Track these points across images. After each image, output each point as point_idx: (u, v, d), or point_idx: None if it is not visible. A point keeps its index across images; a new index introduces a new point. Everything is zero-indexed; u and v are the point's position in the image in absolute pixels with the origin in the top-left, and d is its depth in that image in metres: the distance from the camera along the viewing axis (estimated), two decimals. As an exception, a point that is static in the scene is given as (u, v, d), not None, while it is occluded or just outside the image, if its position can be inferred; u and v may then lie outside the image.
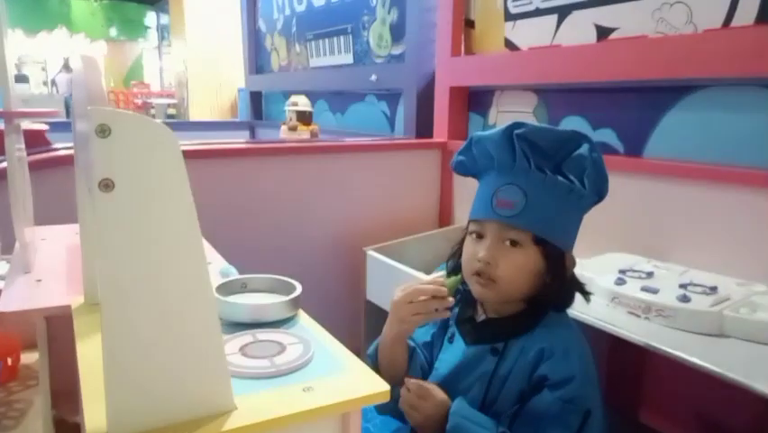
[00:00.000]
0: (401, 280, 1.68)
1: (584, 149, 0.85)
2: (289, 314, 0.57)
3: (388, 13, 2.59)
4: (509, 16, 1.99)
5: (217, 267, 0.76)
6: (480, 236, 0.89)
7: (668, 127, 1.55)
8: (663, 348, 1.02)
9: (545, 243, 0.86)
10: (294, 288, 0.60)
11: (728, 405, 1.30)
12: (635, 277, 1.26)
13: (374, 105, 2.77)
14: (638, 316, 1.16)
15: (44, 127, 1.86)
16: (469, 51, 2.18)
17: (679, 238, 1.48)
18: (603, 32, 1.68)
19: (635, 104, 1.64)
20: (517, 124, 0.86)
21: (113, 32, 9.84)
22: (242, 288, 0.62)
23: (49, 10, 8.42)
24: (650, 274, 1.28)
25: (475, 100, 2.21)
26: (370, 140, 2.34)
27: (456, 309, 0.97)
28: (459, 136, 2.22)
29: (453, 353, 0.94)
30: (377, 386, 0.44)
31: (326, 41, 3.08)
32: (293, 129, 2.58)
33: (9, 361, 0.85)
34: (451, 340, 0.96)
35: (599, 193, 0.90)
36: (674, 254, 1.47)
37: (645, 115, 1.61)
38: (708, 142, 1.45)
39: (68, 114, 6.78)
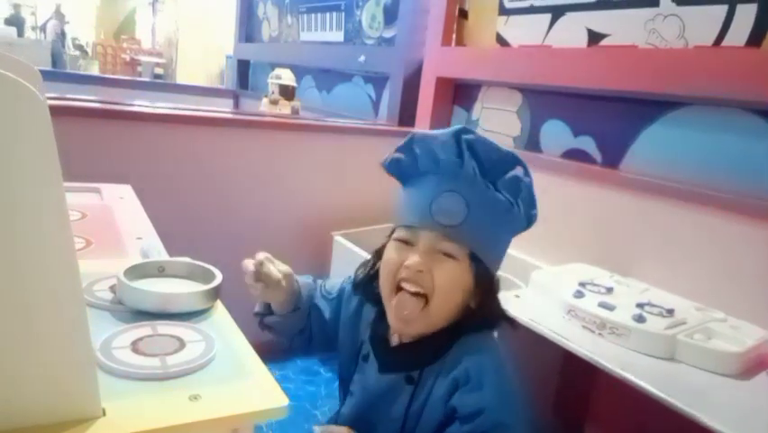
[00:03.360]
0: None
1: (520, 171, 0.80)
2: (202, 306, 0.53)
3: (383, -7, 2.52)
4: (503, 10, 1.94)
5: (145, 244, 0.70)
6: (408, 243, 0.80)
7: (648, 141, 1.53)
8: (612, 368, 1.00)
9: (479, 261, 0.80)
10: (213, 277, 0.55)
11: (674, 430, 1.29)
12: (595, 291, 1.24)
13: (360, 87, 2.71)
14: (593, 331, 1.14)
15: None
16: (460, 42, 2.12)
17: (645, 255, 1.46)
18: (595, 37, 1.64)
19: (617, 114, 1.60)
20: (465, 129, 0.80)
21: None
22: (158, 271, 0.57)
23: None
24: (610, 290, 1.26)
25: (461, 93, 2.17)
26: (349, 122, 2.28)
27: (370, 319, 0.90)
28: (441, 128, 2.17)
29: (368, 376, 0.87)
30: (276, 401, 0.40)
31: (319, 15, 3.00)
32: (274, 103, 2.51)
33: None
34: (366, 359, 0.88)
35: (529, 218, 0.84)
36: (638, 271, 1.45)
37: (627, 127, 1.58)
38: (685, 161, 1.43)
39: (53, 63, 6.57)
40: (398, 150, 0.85)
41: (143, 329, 0.47)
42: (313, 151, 1.99)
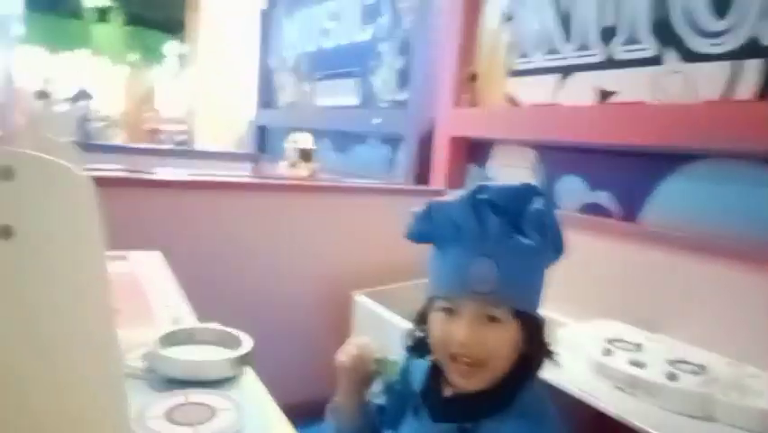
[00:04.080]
0: (390, 329, 1.63)
1: (539, 202, 0.78)
2: (232, 373, 0.53)
3: (396, 59, 2.61)
4: (512, 72, 2.00)
5: (174, 311, 0.72)
6: (450, 312, 0.80)
7: (665, 194, 1.53)
8: (646, 428, 0.97)
9: (524, 314, 0.80)
10: (242, 343, 0.56)
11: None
12: (623, 349, 1.21)
13: (376, 148, 2.77)
14: (624, 390, 1.11)
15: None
16: (471, 103, 2.18)
17: (670, 309, 1.44)
18: (603, 95, 1.68)
19: (633, 168, 1.62)
20: (480, 189, 0.79)
21: (133, 57, 10.05)
22: (189, 338, 0.58)
23: (70, 31, 8.61)
24: (639, 347, 1.23)
25: (474, 151, 2.21)
26: (366, 183, 2.32)
27: (422, 378, 0.90)
28: (457, 185, 2.20)
29: (419, 428, 0.86)
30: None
31: (333, 81, 3.11)
32: (293, 165, 2.57)
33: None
34: (416, 411, 0.87)
35: (558, 249, 0.82)
36: (666, 326, 1.42)
37: (643, 181, 1.58)
38: (704, 214, 1.42)
39: (81, 134, 6.84)
40: (417, 219, 0.84)
41: (176, 398, 0.48)
42: (331, 211, 2.02)
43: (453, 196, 0.80)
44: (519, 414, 0.79)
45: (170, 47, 9.54)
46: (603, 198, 1.70)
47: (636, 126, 1.52)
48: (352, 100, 2.94)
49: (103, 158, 3.31)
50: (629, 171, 1.63)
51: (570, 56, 1.78)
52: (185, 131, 6.39)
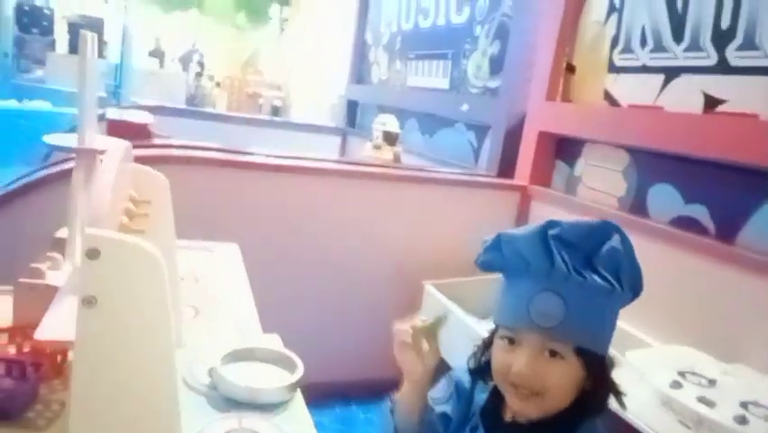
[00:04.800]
0: (454, 321, 1.65)
1: (616, 241, 0.77)
2: (284, 398, 0.58)
3: (491, 44, 2.54)
4: (613, 68, 1.89)
5: (241, 315, 0.78)
6: (512, 342, 0.80)
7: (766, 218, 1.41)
8: (707, 475, 0.93)
9: (587, 352, 0.78)
10: (296, 366, 0.60)
11: None
12: (695, 382, 1.16)
13: (462, 134, 2.74)
14: (688, 428, 1.06)
15: (148, 120, 2.01)
16: (565, 98, 2.09)
17: (757, 341, 1.34)
18: (711, 102, 1.55)
19: (735, 184, 1.50)
20: (551, 224, 0.78)
21: (239, 18, 10.39)
22: (249, 355, 0.64)
23: (183, -7, 9.02)
24: (712, 382, 1.17)
25: (563, 147, 2.13)
26: (449, 173, 2.31)
27: (482, 396, 0.91)
28: (542, 182, 2.14)
29: None
30: None
31: (426, 62, 3.09)
32: (377, 148, 2.61)
33: (59, 358, 0.93)
34: (474, 431, 0.89)
35: (635, 290, 0.80)
36: (748, 358, 1.33)
37: (745, 199, 1.47)
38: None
39: (188, 94, 7.25)
40: (487, 250, 0.85)
41: (230, 421, 0.53)
42: (412, 200, 2.05)
43: (524, 229, 0.80)
44: None
45: (275, 10, 9.81)
46: (699, 212, 1.60)
47: (746, 142, 1.41)
48: (443, 83, 2.91)
49: (203, 125, 3.53)
50: (731, 188, 1.51)
51: (679, 56, 1.65)
52: (281, 97, 6.62)
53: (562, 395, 0.78)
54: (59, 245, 0.88)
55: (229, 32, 9.70)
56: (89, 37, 0.62)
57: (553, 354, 0.76)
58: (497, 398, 0.87)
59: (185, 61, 8.47)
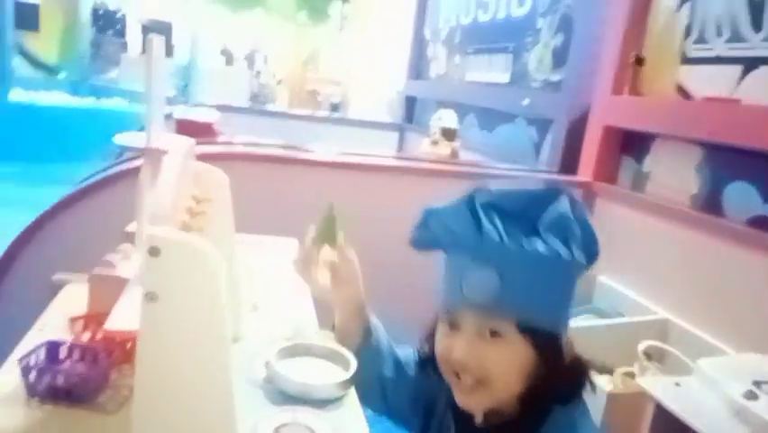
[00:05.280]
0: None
1: (563, 205, 0.69)
2: (338, 394, 0.59)
3: (553, 36, 2.47)
4: (686, 60, 1.79)
5: (298, 312, 0.79)
6: (452, 326, 0.73)
7: None
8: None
9: (533, 330, 0.70)
10: (350, 364, 0.61)
11: None
12: (772, 394, 1.08)
13: (522, 129, 2.68)
14: (764, 442, 1.00)
15: (213, 119, 2.09)
16: (634, 91, 2.00)
17: None
18: (794, 95, 1.44)
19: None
20: (478, 192, 0.71)
21: (300, 17, 10.58)
22: (305, 351, 0.65)
23: (249, -7, 9.29)
24: (791, 394, 1.09)
25: (629, 142, 2.04)
26: (509, 169, 2.27)
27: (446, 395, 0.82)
28: (606, 178, 2.06)
29: None
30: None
31: (486, 56, 3.03)
32: (435, 143, 2.59)
33: (128, 345, 0.98)
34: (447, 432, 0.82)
35: (589, 256, 0.71)
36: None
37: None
38: None
39: (253, 90, 7.45)
40: (416, 228, 0.78)
41: (284, 415, 0.55)
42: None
43: (452, 201, 0.74)
44: None
45: (335, 7, 9.94)
46: (780, 212, 1.49)
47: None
48: (503, 77, 2.85)
49: (264, 122, 3.63)
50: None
51: (757, 46, 1.55)
52: (340, 93, 6.71)
53: (509, 381, 0.71)
54: (130, 239, 0.93)
55: (291, 30, 9.90)
56: (155, 40, 0.65)
57: (494, 334, 0.69)
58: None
59: (249, 60, 8.73)
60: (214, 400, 0.41)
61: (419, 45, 3.92)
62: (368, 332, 0.84)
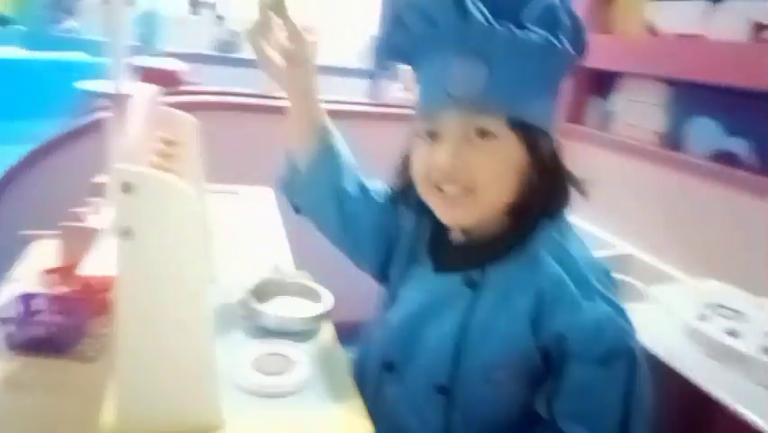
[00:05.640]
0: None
1: None
2: (313, 327, 0.61)
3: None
4: (655, -5, 1.79)
5: (273, 256, 0.81)
6: (434, 136, 0.65)
7: (814, 150, 1.35)
8: (730, 402, 0.95)
9: (524, 126, 0.63)
10: (323, 299, 0.64)
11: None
12: (722, 315, 1.16)
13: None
14: (716, 360, 1.07)
15: (179, 68, 2.03)
16: (603, 29, 2.00)
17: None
18: (758, 29, 1.46)
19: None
20: None
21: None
22: (279, 289, 0.67)
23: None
24: (740, 315, 1.16)
25: (597, 82, 2.05)
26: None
27: (419, 219, 0.75)
28: (575, 119, 2.09)
29: (420, 279, 0.72)
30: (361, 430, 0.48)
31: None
32: (408, 89, 2.57)
33: (104, 293, 0.98)
34: (418, 260, 0.74)
35: (577, 46, 0.65)
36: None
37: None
38: None
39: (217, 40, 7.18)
40: (386, 30, 0.69)
41: (263, 347, 0.57)
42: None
43: None
44: (533, 258, 0.65)
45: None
46: (739, 146, 1.54)
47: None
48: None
49: (232, 72, 3.52)
50: (774, 120, 1.45)
51: (724, -20, 1.55)
52: (313, 41, 6.53)
53: (500, 186, 0.64)
54: (99, 192, 0.93)
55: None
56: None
57: (483, 134, 0.62)
58: (438, 223, 0.71)
59: (212, 6, 8.36)
60: (194, 335, 0.43)
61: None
62: (324, 132, 0.77)
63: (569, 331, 0.61)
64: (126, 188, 0.37)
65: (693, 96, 1.69)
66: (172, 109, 0.66)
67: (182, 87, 1.95)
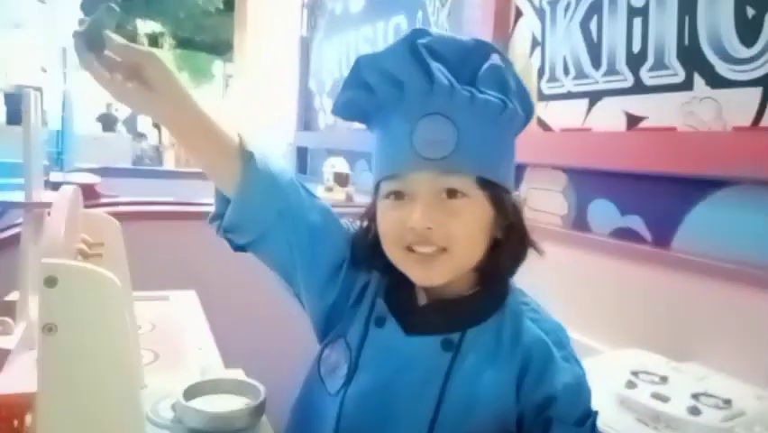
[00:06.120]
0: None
1: (496, 59, 0.65)
2: (250, 424, 0.59)
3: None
4: (542, 96, 2.02)
5: (203, 357, 0.79)
6: (399, 196, 0.64)
7: (697, 221, 1.51)
8: (667, 466, 0.98)
9: (491, 185, 0.64)
10: (259, 393, 0.62)
11: None
12: (648, 381, 1.21)
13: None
14: (647, 424, 1.11)
15: (94, 181, 2.01)
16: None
17: (702, 338, 1.42)
18: (633, 120, 1.68)
19: (664, 193, 1.61)
20: (418, 33, 0.63)
21: (184, 77, 10.42)
22: (213, 389, 0.65)
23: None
24: (664, 379, 1.23)
25: (507, 174, 2.22)
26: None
27: (382, 281, 0.71)
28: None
29: (386, 343, 0.67)
30: None
31: (370, 105, 3.19)
32: (329, 189, 2.66)
33: (15, 423, 0.90)
34: (380, 323, 0.68)
35: (526, 109, 0.69)
36: (696, 355, 1.40)
37: (674, 206, 1.57)
38: (737, 241, 1.40)
39: (135, 155, 7.17)
40: (347, 84, 0.68)
41: (197, 450, 0.54)
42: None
43: (386, 46, 0.65)
44: (510, 318, 0.66)
45: (218, 67, 9.94)
46: (635, 222, 1.70)
47: (667, 153, 1.52)
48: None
49: (152, 184, 3.51)
50: (660, 197, 1.62)
51: (599, 81, 1.79)
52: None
53: (473, 244, 0.65)
54: (10, 309, 0.88)
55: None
56: (33, 94, 0.64)
57: (453, 193, 0.63)
58: (401, 286, 0.69)
59: (130, 124, 8.41)
60: (120, 412, 0.40)
61: (305, 97, 4.03)
62: (241, 148, 0.67)
63: (557, 394, 0.62)
64: (50, 282, 0.36)
65: (588, 182, 1.87)
66: (95, 211, 0.66)
67: (100, 200, 1.91)
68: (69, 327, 0.37)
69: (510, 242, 0.67)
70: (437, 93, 0.61)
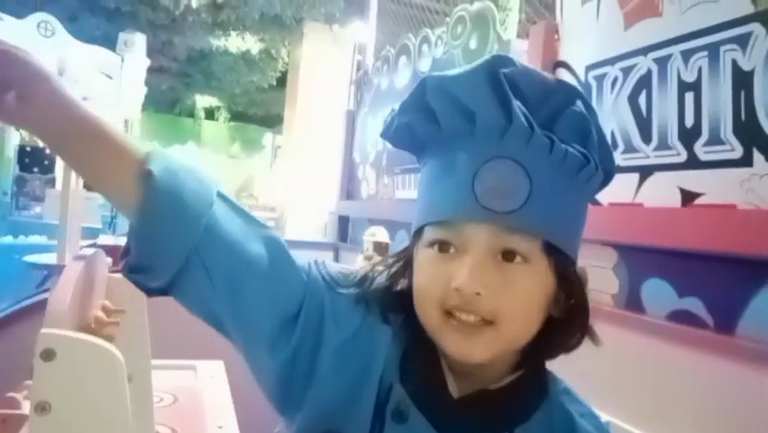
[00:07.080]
0: None
1: (580, 105, 0.55)
2: None
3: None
4: (590, 170, 1.97)
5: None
6: (446, 247, 0.53)
7: (764, 305, 1.39)
8: None
9: (557, 252, 0.54)
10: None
11: None
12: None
13: (452, 242, 2.77)
14: None
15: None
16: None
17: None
18: (688, 196, 1.59)
19: (725, 274, 1.50)
20: (500, 60, 0.52)
21: (234, 149, 10.95)
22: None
23: (183, 128, 9.69)
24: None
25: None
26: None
27: (393, 346, 0.57)
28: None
29: None
30: None
31: (412, 176, 3.21)
32: (368, 258, 2.62)
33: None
34: (401, 417, 0.54)
35: (607, 169, 0.59)
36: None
37: (738, 289, 1.46)
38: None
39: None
40: (405, 108, 0.57)
41: None
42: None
43: (460, 68, 0.54)
44: (561, 415, 0.56)
45: (268, 138, 10.38)
46: (694, 305, 1.57)
47: (728, 231, 1.43)
48: (430, 194, 3.00)
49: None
50: (722, 278, 1.51)
51: (649, 155, 1.73)
52: (275, 218, 6.80)
53: (526, 320, 0.53)
54: (35, 372, 0.85)
55: (224, 161, 10.16)
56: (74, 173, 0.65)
57: (510, 256, 0.52)
58: (430, 360, 0.56)
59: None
60: None
61: (349, 168, 4.10)
62: (143, 170, 0.52)
63: None
64: (47, 355, 0.33)
65: (641, 259, 1.77)
66: (118, 276, 0.64)
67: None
68: (64, 408, 0.33)
69: (570, 322, 0.57)
70: (513, 134, 0.51)
